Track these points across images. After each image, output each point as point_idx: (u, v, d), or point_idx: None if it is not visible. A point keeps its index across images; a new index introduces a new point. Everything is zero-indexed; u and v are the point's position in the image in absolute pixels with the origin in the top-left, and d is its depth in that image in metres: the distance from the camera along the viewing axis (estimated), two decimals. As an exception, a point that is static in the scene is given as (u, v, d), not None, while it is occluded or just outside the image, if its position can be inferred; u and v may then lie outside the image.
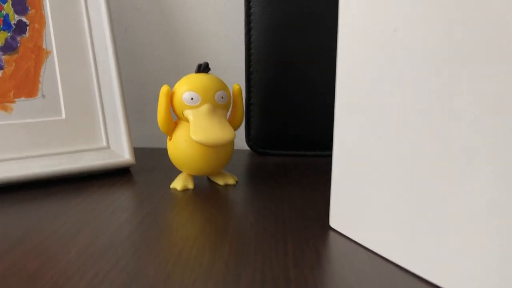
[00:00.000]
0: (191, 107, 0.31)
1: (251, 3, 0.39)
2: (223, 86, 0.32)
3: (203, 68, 0.32)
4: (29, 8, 0.35)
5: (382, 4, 0.20)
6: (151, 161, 0.39)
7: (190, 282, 0.20)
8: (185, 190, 0.32)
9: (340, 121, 0.24)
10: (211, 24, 0.44)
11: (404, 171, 0.20)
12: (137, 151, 0.41)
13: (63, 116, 0.35)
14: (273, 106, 0.41)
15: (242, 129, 0.44)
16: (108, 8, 0.37)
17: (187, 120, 0.31)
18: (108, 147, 0.36)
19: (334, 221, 0.26)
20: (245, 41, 0.40)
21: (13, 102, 0.34)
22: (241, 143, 0.44)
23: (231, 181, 0.34)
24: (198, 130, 0.30)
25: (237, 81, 0.44)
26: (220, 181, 0.34)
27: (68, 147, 0.34)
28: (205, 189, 0.33)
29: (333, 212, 0.26)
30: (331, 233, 0.25)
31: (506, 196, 0.16)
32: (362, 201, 0.23)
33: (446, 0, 0.18)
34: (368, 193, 0.23)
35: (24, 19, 0.35)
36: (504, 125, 0.16)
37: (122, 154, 0.36)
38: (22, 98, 0.34)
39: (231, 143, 0.33)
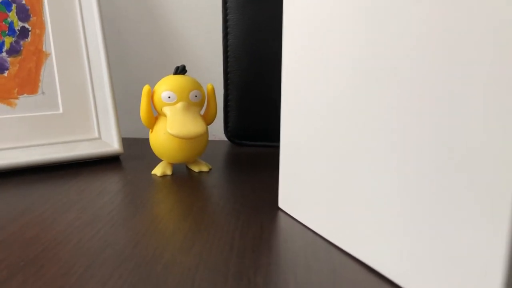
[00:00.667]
0: (168, 105, 0.36)
1: (228, 10, 0.44)
2: (197, 86, 0.37)
3: (180, 70, 0.37)
4: (31, 15, 0.40)
5: (316, 9, 0.25)
6: (137, 150, 0.44)
7: (152, 249, 0.25)
8: (164, 176, 0.37)
9: (285, 115, 0.29)
10: (193, 29, 0.49)
11: (333, 161, 0.25)
12: (126, 141, 0.47)
13: (61, 110, 0.40)
14: (248, 102, 0.45)
15: (221, 122, 0.48)
16: (100, 14, 0.42)
17: (165, 116, 0.36)
18: (99, 137, 0.41)
19: (282, 202, 0.31)
20: (223, 44, 0.45)
21: (17, 98, 0.39)
22: (220, 134, 0.49)
23: (204, 168, 0.39)
24: (174, 124, 0.35)
25: (216, 80, 0.49)
26: (196, 168, 0.39)
27: (65, 138, 0.40)
28: (181, 175, 0.38)
29: (280, 194, 0.31)
30: (279, 213, 0.30)
31: (412, 181, 0.21)
32: (301, 185, 0.28)
33: (369, 8, 0.22)
34: (305, 178, 0.28)
35: (26, 25, 0.40)
36: (408, 122, 0.21)
37: (112, 144, 0.41)
38: (25, 95, 0.39)
39: (205, 135, 0.38)
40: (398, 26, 0.20)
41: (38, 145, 0.38)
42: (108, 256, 0.24)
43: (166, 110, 0.36)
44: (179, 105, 0.36)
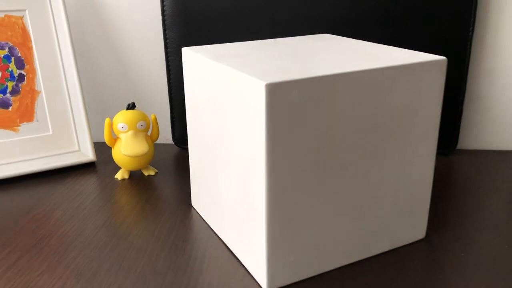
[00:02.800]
0: (122, 132, 0.52)
1: (168, 52, 0.59)
2: (142, 117, 0.53)
3: (131, 107, 0.53)
4: (25, 64, 0.56)
5: (195, 89, 0.42)
6: (106, 156, 0.61)
7: (106, 236, 0.43)
8: (123, 179, 0.55)
9: (189, 127, 0.45)
10: (144, 63, 0.65)
11: (210, 165, 0.42)
12: (100, 145, 0.63)
13: (50, 132, 0.57)
14: None
15: (170, 130, 0.65)
16: (75, 59, 0.57)
17: (121, 139, 0.53)
18: (79, 150, 0.58)
19: (193, 201, 0.48)
20: (166, 69, 0.61)
21: (19, 125, 0.56)
22: (170, 140, 0.66)
23: (151, 172, 0.56)
24: (126, 147, 0.52)
25: (163, 96, 0.65)
26: (145, 172, 0.56)
27: (54, 152, 0.57)
28: (135, 178, 0.55)
29: (192, 194, 0.48)
30: (192, 209, 0.48)
31: (240, 183, 0.38)
32: (198, 185, 0.45)
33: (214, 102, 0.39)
34: (199, 179, 0.45)
35: (23, 72, 0.56)
36: (230, 161, 0.38)
37: (88, 154, 0.58)
38: (24, 123, 0.56)
39: (149, 151, 0.54)
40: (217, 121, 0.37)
41: (35, 158, 0.56)
42: (80, 242, 0.42)
43: (121, 136, 0.52)
44: (129, 133, 0.52)
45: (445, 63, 0.37)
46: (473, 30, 0.56)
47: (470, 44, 0.56)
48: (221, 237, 0.42)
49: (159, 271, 0.38)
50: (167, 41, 0.59)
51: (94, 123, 0.66)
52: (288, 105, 0.31)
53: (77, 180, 0.54)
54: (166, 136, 0.67)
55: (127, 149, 0.52)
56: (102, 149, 0.63)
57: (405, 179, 0.38)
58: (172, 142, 0.66)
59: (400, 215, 0.39)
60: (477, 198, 0.49)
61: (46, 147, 0.57)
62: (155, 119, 0.55)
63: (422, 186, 0.40)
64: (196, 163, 0.44)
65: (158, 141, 0.67)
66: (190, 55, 0.41)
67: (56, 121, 0.57)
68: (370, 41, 0.56)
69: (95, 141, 0.66)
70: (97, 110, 0.67)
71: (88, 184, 0.53)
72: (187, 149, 0.64)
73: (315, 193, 0.34)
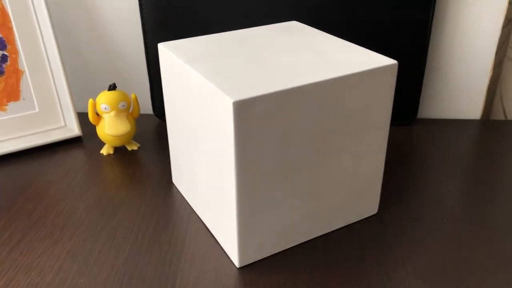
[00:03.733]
0: (105, 113, 0.56)
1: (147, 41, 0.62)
2: (124, 98, 0.57)
3: (112, 88, 0.57)
4: (7, 45, 0.58)
5: (172, 85, 0.45)
6: (93, 130, 0.65)
7: (96, 213, 0.48)
8: (108, 154, 0.59)
9: (168, 115, 0.50)
10: (122, 37, 0.67)
11: (187, 153, 0.47)
12: (84, 116, 0.67)
13: (37, 110, 0.60)
14: None
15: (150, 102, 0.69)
16: (56, 39, 0.59)
17: (104, 119, 0.56)
18: (65, 125, 0.62)
19: (173, 178, 0.53)
20: (144, 45, 0.63)
21: (6, 105, 0.59)
22: (151, 111, 0.69)
23: (134, 147, 0.60)
24: (109, 127, 0.56)
25: (142, 71, 0.68)
26: (129, 147, 0.60)
27: (42, 128, 0.60)
28: (119, 152, 0.59)
29: (172, 172, 0.53)
30: (172, 186, 0.53)
31: (214, 174, 0.43)
32: (177, 167, 0.50)
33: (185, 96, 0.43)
34: (178, 162, 0.50)
35: (5, 52, 0.58)
36: (208, 149, 0.43)
37: (74, 130, 0.62)
38: (11, 102, 0.59)
39: (132, 129, 0.58)
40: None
41: (24, 136, 0.59)
42: (73, 222, 0.47)
43: (105, 116, 0.56)
44: (112, 113, 0.56)
45: (396, 67, 0.41)
46: (434, 2, 0.59)
47: (432, 16, 0.59)
48: (199, 215, 0.48)
49: (145, 249, 0.44)
50: (143, 19, 0.61)
51: (77, 97, 0.69)
52: (253, 115, 0.35)
53: (65, 156, 0.59)
54: (146, 106, 0.71)
55: (111, 129, 0.56)
56: (87, 120, 0.67)
57: (359, 167, 0.44)
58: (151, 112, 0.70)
59: (354, 196, 0.45)
60: (430, 172, 0.55)
61: (34, 125, 0.60)
62: (136, 98, 0.58)
63: (375, 172, 0.45)
64: (175, 146, 0.49)
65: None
66: (165, 52, 0.44)
67: (41, 99, 0.60)
68: (331, 25, 0.59)
69: (78, 111, 0.70)
70: (79, 85, 0.70)
71: (76, 160, 0.58)
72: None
73: (278, 184, 0.39)
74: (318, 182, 0.42)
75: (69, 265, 0.42)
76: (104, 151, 0.59)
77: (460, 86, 0.67)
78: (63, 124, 0.62)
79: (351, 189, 0.44)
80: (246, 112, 0.35)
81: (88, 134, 0.63)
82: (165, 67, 0.45)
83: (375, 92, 0.41)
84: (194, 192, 0.47)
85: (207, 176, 0.42)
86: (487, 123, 0.67)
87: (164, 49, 0.44)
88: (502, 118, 0.68)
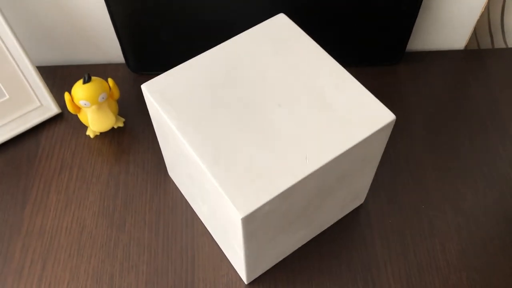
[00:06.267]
0: (86, 107, 0.54)
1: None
2: (102, 89, 0.53)
3: (87, 80, 0.53)
4: (-47, 37, 0.51)
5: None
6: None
7: (93, 214, 0.51)
8: (95, 136, 0.58)
9: (161, 142, 0.50)
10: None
11: (184, 176, 0.49)
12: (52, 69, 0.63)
13: (7, 96, 0.56)
14: (142, 37, 0.60)
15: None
16: (7, 22, 0.52)
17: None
18: (41, 104, 0.59)
19: (169, 171, 0.55)
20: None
21: (-26, 100, 0.55)
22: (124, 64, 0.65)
23: (120, 124, 0.59)
24: (92, 124, 0.54)
25: (109, 30, 0.61)
26: (115, 125, 0.59)
27: (18, 113, 0.57)
28: (106, 133, 0.59)
29: (167, 165, 0.54)
30: (167, 178, 0.55)
31: (218, 223, 0.46)
32: (171, 166, 0.52)
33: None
34: (174, 170, 0.51)
35: (-47, 45, 0.51)
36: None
37: (52, 108, 0.59)
38: (-22, 95, 0.55)
39: (115, 116, 0.56)
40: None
41: (4, 125, 0.57)
42: (87, 234, 0.51)
43: (87, 111, 0.54)
44: (93, 108, 0.53)
45: (393, 122, 0.40)
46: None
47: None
48: (201, 219, 0.51)
49: (161, 271, 0.49)
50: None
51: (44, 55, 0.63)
52: (259, 215, 0.37)
53: (52, 144, 0.58)
54: (119, 56, 0.66)
55: (95, 125, 0.54)
56: (62, 93, 0.63)
57: (350, 194, 0.47)
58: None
59: (347, 207, 0.49)
60: (413, 156, 0.58)
61: (9, 111, 0.57)
62: (113, 83, 0.55)
63: (366, 185, 0.48)
64: (170, 163, 0.50)
65: (113, 61, 0.66)
66: (151, 102, 0.41)
67: (8, 84, 0.56)
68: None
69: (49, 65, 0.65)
70: (41, 49, 0.62)
71: (64, 149, 0.57)
72: (143, 74, 0.64)
73: (282, 235, 0.43)
74: (316, 218, 0.45)
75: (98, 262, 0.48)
76: (91, 133, 0.58)
77: (450, 20, 0.63)
78: (38, 103, 0.58)
79: (344, 205, 0.48)
80: (253, 218, 0.36)
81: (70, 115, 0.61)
82: (153, 114, 0.43)
83: (371, 146, 0.41)
84: (196, 206, 0.50)
85: (209, 212, 0.45)
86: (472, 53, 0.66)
87: (150, 98, 0.41)
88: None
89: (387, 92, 0.62)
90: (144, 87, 0.42)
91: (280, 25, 0.46)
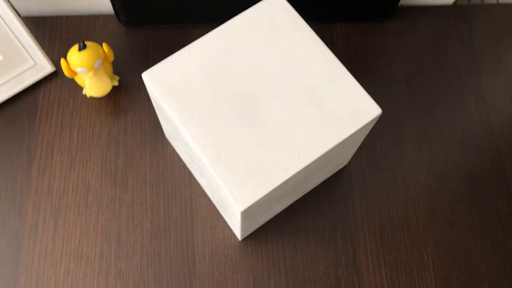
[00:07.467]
0: (83, 74, 0.55)
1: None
2: (98, 55, 0.54)
3: (82, 47, 0.53)
4: None
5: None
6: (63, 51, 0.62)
7: (97, 175, 0.56)
8: (91, 96, 0.60)
9: (163, 124, 0.52)
10: None
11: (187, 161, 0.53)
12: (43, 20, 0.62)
13: (1, 58, 0.57)
14: None
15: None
16: None
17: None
18: (35, 63, 0.59)
19: (166, 134, 0.58)
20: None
21: (-31, 63, 0.55)
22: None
23: (115, 82, 0.60)
24: (90, 89, 0.56)
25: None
26: (112, 84, 0.60)
27: (13, 73, 0.58)
28: (102, 91, 0.60)
29: (164, 131, 0.57)
30: (164, 140, 0.58)
31: (215, 196, 0.51)
32: (170, 137, 0.56)
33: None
34: (174, 143, 0.55)
35: None
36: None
37: (46, 66, 0.60)
38: (-28, 59, 0.55)
39: (111, 79, 0.57)
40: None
41: (0, 84, 0.58)
42: (94, 192, 0.55)
43: (84, 77, 0.55)
44: (90, 74, 0.55)
45: (379, 115, 0.44)
46: None
47: None
48: (197, 180, 0.56)
49: (163, 228, 0.55)
50: None
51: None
52: (256, 204, 0.41)
53: (50, 103, 0.59)
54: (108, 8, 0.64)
55: (93, 91, 0.56)
56: (55, 51, 0.63)
57: (335, 166, 0.51)
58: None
59: (330, 172, 0.54)
60: (395, 125, 0.61)
61: (4, 72, 0.58)
62: (107, 46, 0.55)
63: (348, 158, 0.53)
64: (169, 134, 0.53)
65: (103, 12, 0.65)
66: (152, 91, 0.43)
67: (1, 45, 0.56)
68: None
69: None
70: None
71: (62, 108, 0.59)
72: (134, 27, 0.64)
73: (274, 205, 0.48)
74: (303, 188, 0.50)
75: (111, 225, 0.53)
76: (87, 93, 0.60)
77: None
78: (32, 63, 0.59)
79: (329, 172, 0.53)
80: (250, 209, 0.41)
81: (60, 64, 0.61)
82: (155, 102, 0.45)
83: (358, 135, 0.45)
84: (194, 172, 0.54)
85: (208, 185, 0.50)
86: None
87: (152, 89, 0.43)
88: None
89: (374, 51, 0.64)
90: (145, 76, 0.44)
91: (277, 7, 0.47)
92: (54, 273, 0.52)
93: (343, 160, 0.53)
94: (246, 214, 0.42)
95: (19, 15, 0.58)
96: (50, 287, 0.52)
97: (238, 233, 0.51)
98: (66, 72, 0.55)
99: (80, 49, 0.53)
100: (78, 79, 0.57)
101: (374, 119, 0.43)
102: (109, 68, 0.57)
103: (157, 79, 0.44)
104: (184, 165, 0.57)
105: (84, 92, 0.60)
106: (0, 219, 0.54)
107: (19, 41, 0.57)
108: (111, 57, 0.57)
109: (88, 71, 0.54)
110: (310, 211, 0.56)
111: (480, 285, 0.53)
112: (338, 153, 0.46)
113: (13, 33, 0.56)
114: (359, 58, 0.63)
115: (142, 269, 0.53)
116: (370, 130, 0.60)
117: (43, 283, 0.52)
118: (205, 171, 0.44)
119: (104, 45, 0.55)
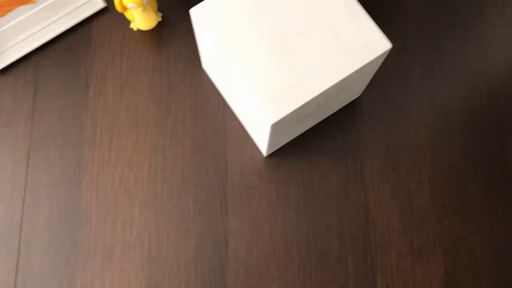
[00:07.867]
0: (133, 10, 0.63)
1: None
2: (146, -6, 0.62)
3: (133, -14, 0.61)
4: None
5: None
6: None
7: (145, 101, 0.65)
8: (137, 29, 0.68)
9: (202, 54, 0.61)
10: None
11: (222, 78, 0.62)
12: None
13: (61, -7, 0.65)
14: None
15: None
16: None
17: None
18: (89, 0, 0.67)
19: (203, 64, 0.67)
20: None
21: (35, -2, 0.64)
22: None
23: (159, 18, 0.69)
24: (139, 23, 0.64)
25: None
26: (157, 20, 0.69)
27: (70, 7, 0.67)
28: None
29: (201, 58, 0.66)
30: (201, 70, 0.67)
31: (249, 112, 0.61)
32: (207, 64, 0.65)
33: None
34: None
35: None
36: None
37: (98, 2, 0.68)
38: (38, -6, 0.64)
39: (154, 7, 0.66)
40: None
41: (59, 18, 0.67)
42: (142, 119, 0.65)
43: (134, 12, 0.63)
44: (139, 10, 0.63)
45: (389, 49, 0.52)
46: None
47: None
48: (230, 106, 0.65)
49: (201, 143, 0.64)
50: None
51: None
52: (282, 121, 0.51)
53: (102, 36, 0.68)
54: None
55: (141, 25, 0.64)
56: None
57: (350, 95, 0.60)
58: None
59: (345, 101, 0.63)
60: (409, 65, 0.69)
61: (62, 6, 0.66)
62: (154, -14, 0.63)
63: (361, 89, 0.62)
64: (207, 63, 0.61)
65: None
66: (200, 24, 0.52)
67: (62, -17, 0.64)
68: None
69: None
70: None
71: (113, 40, 0.68)
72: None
73: (295, 126, 0.58)
74: (321, 113, 0.59)
75: (155, 160, 0.64)
76: (134, 26, 0.68)
77: None
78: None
79: (344, 101, 0.62)
80: (277, 123, 0.50)
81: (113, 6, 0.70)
82: (199, 35, 0.54)
83: (370, 66, 0.53)
84: (228, 97, 0.63)
85: (241, 107, 0.59)
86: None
87: (199, 23, 0.52)
88: None
89: (390, -6, 0.71)
90: (193, 12, 0.52)
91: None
92: (110, 177, 0.63)
93: (356, 91, 0.62)
94: (275, 128, 0.51)
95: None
96: (107, 188, 0.63)
97: (264, 149, 0.61)
98: (118, 7, 0.63)
99: (131, -13, 0.61)
100: (127, 14, 0.65)
101: (385, 53, 0.52)
102: (155, 5, 0.65)
103: (203, 16, 0.52)
104: (218, 92, 0.66)
105: (131, 26, 0.69)
106: (65, 131, 0.65)
107: (76, -21, 0.65)
108: (156, -4, 0.65)
109: (138, 6, 0.63)
110: (326, 135, 0.65)
111: (468, 201, 0.63)
112: (352, 82, 0.55)
113: (71, -29, 0.64)
114: None
115: (184, 177, 0.63)
116: (382, 66, 0.68)
117: (102, 185, 0.63)
118: (241, 93, 0.53)
119: (151, -16, 0.63)
